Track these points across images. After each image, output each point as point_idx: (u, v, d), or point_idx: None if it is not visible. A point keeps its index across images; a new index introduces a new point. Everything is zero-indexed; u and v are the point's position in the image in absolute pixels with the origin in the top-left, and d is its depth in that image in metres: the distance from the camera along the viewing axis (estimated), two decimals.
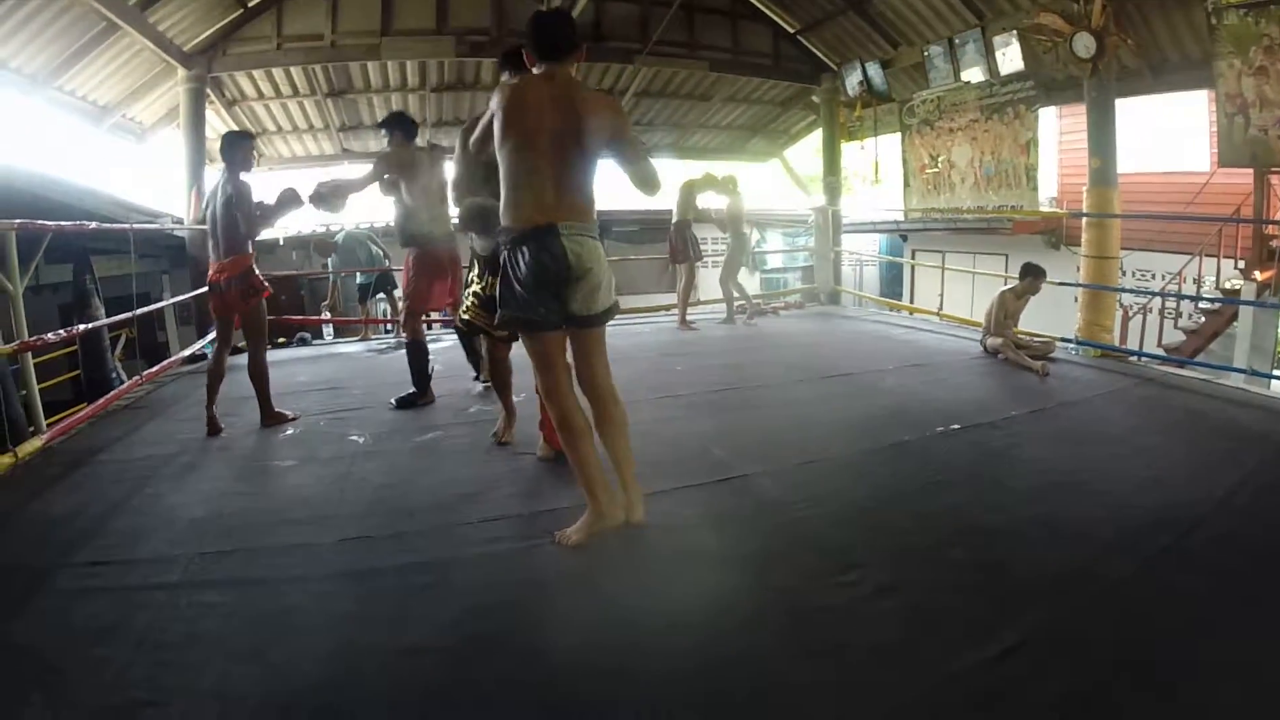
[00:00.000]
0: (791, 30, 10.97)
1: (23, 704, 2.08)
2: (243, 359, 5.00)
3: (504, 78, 3.59)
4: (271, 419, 4.82)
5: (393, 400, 5.16)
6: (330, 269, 10.06)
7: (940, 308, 10.44)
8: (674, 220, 8.60)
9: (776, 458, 3.83)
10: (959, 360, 6.41)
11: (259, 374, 4.81)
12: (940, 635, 2.27)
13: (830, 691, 2.04)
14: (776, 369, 6.14)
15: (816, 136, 12.51)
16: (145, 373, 6.32)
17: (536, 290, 2.82)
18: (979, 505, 3.31)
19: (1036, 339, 6.63)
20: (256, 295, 4.77)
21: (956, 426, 4.36)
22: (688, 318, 8.80)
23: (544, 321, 2.86)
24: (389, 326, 9.35)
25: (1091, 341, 6.92)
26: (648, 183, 3.03)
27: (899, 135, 10.40)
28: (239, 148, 4.73)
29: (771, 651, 2.21)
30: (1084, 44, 6.81)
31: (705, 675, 2.10)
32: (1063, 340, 6.90)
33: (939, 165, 9.72)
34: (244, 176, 4.68)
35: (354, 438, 4.47)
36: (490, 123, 2.97)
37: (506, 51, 3.67)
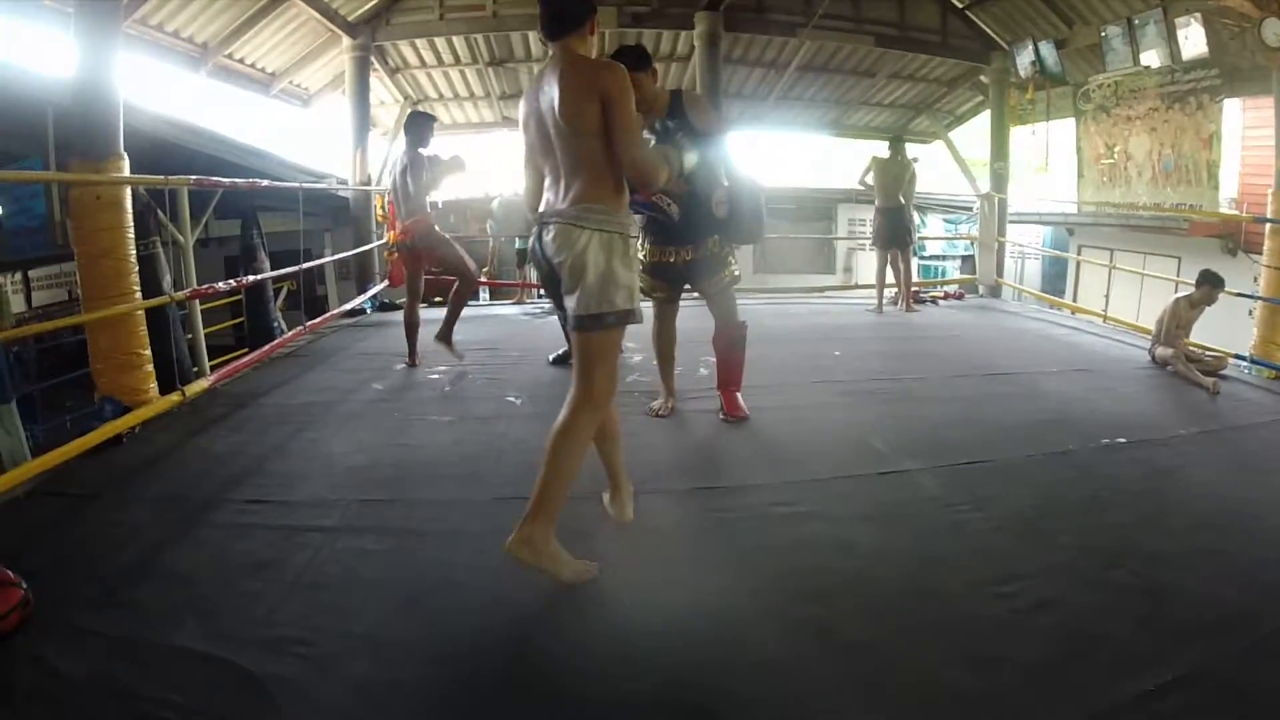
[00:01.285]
0: (960, 5, 10.53)
1: (178, 629, 2.23)
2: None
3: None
4: (444, 339, 5.31)
5: (550, 357, 5.50)
6: (490, 233, 10.38)
7: (1105, 309, 9.88)
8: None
9: (937, 455, 3.75)
10: (1125, 368, 6.09)
11: (459, 300, 5.38)
12: (1096, 661, 2.18)
13: (987, 707, 2.01)
14: (936, 362, 5.97)
15: (984, 119, 11.93)
16: (308, 324, 6.70)
17: (547, 287, 2.78)
18: (1144, 527, 3.14)
19: (1209, 353, 6.22)
20: (444, 245, 5.33)
21: (1123, 440, 4.14)
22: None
23: (565, 320, 2.69)
24: (542, 291, 9.49)
25: (1268, 362, 6.46)
26: (637, 170, 2.57)
27: (1072, 121, 9.89)
28: (422, 127, 5.36)
29: (930, 656, 2.19)
30: (1274, 30, 6.31)
31: (866, 673, 2.12)
32: (1236, 357, 6.41)
33: (1114, 156, 9.19)
34: (422, 151, 5.26)
35: (510, 399, 4.65)
36: None
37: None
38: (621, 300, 2.54)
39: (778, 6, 10.02)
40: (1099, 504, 3.37)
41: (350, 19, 8.84)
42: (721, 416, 4.27)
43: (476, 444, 3.89)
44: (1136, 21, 8.36)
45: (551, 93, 2.53)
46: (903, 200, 8.14)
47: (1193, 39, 7.86)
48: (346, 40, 9.03)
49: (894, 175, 8.06)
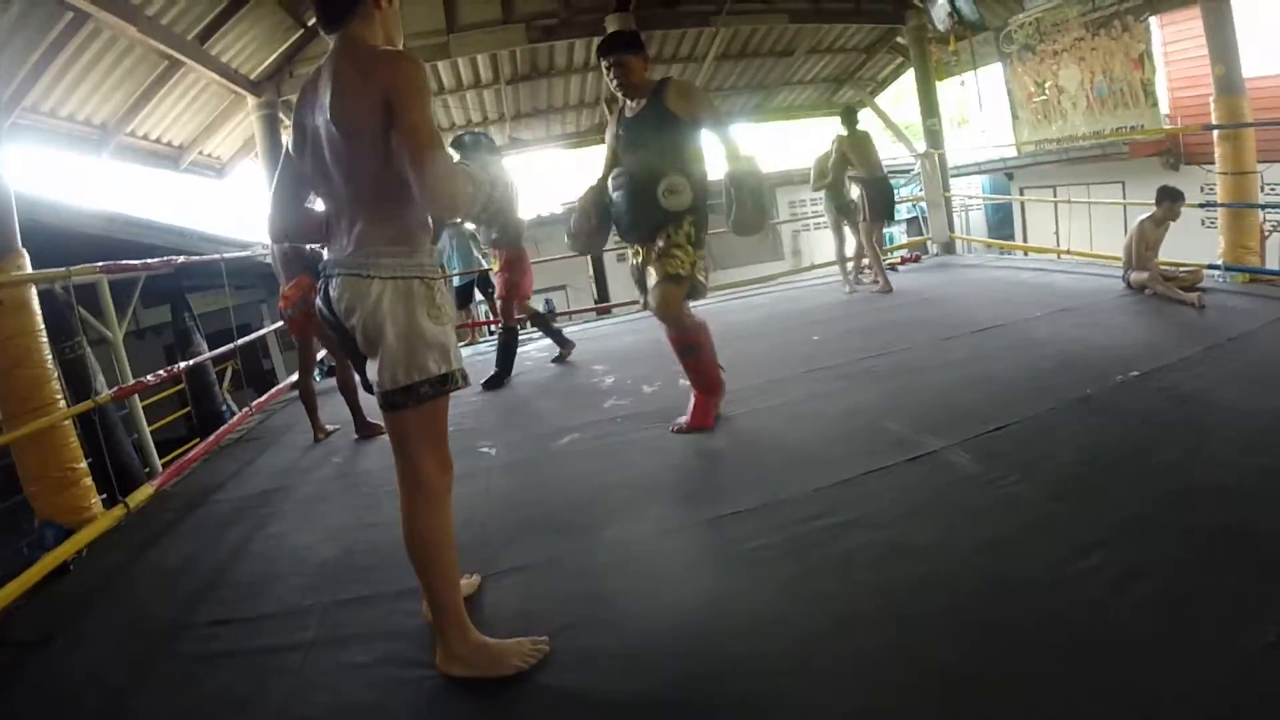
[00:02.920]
0: None
1: None
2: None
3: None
4: (366, 430, 4.88)
5: (481, 385, 5.52)
6: None
7: (1059, 245, 9.87)
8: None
9: (958, 427, 3.49)
10: (1106, 300, 5.96)
11: (346, 386, 4.89)
12: (1210, 620, 1.97)
13: (1126, 703, 1.75)
14: (918, 328, 5.76)
15: (909, 79, 11.93)
16: (255, 403, 6.34)
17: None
18: (1197, 461, 2.95)
19: (1182, 268, 6.16)
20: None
21: (1135, 374, 3.99)
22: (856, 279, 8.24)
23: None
24: (493, 328, 9.17)
25: (1242, 266, 6.43)
26: (426, 186, 1.85)
27: (999, 66, 9.85)
28: None
29: (1046, 666, 1.90)
30: None
31: (990, 704, 1.83)
32: (1210, 267, 6.36)
33: (1046, 92, 9.13)
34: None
35: (484, 449, 4.27)
36: None
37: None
38: (435, 363, 2.00)
39: None
40: (1141, 446, 3.16)
41: (252, 77, 8.43)
42: (672, 429, 3.99)
43: (458, 509, 3.41)
44: None
45: (323, 97, 1.97)
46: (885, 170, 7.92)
47: None
48: (251, 100, 8.62)
49: (864, 145, 7.78)
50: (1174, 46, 10.74)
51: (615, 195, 3.75)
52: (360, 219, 2.01)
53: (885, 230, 10.43)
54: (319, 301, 2.14)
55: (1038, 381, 4.10)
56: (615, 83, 3.76)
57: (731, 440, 3.82)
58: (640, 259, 3.83)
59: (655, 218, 3.66)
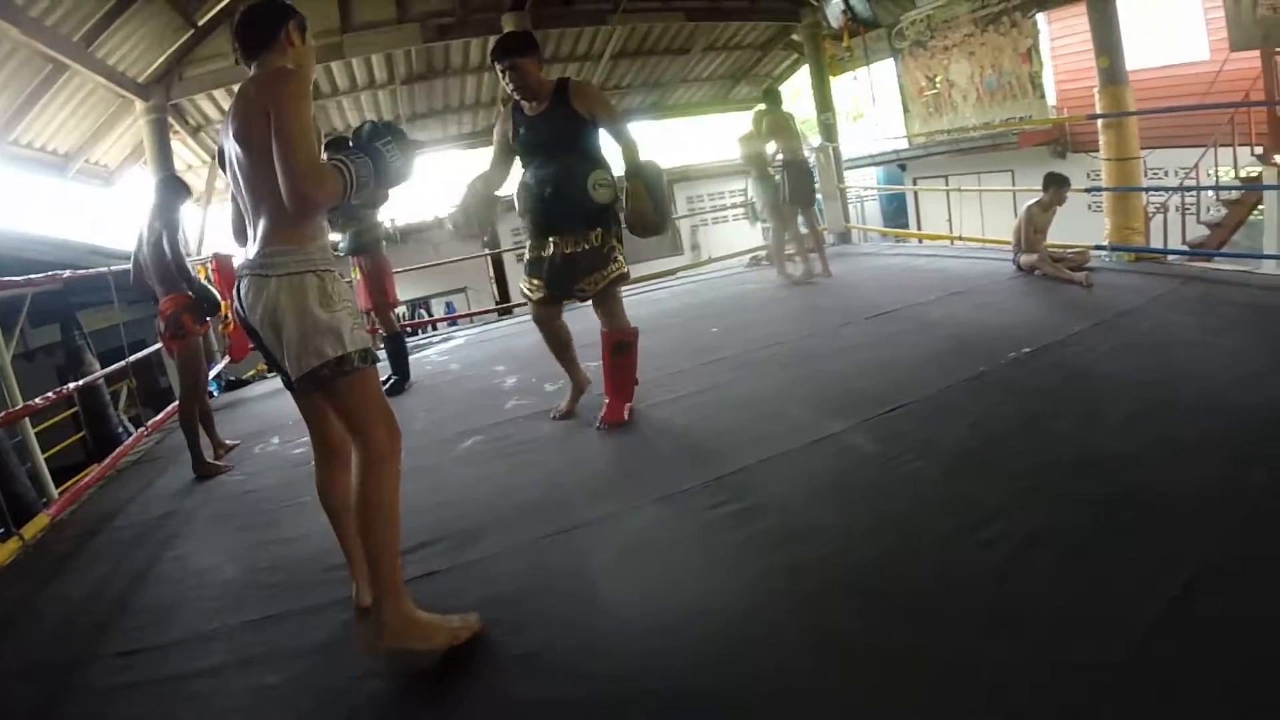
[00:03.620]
0: None
1: None
2: (262, 388, 4.78)
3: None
4: (202, 469, 4.44)
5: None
6: None
7: (951, 232, 10.15)
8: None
9: (858, 409, 3.53)
10: (998, 282, 6.14)
11: (185, 421, 4.51)
12: (1111, 582, 2.02)
13: (1024, 667, 1.77)
14: (817, 315, 5.84)
15: (804, 74, 12.09)
16: (150, 423, 6.02)
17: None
18: (1090, 430, 3.06)
19: (1069, 250, 6.39)
20: (186, 336, 4.48)
21: (1027, 350, 4.11)
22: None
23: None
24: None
25: (1127, 246, 6.72)
26: (291, 180, 1.99)
27: (892, 61, 10.08)
28: (177, 191, 4.66)
29: (947, 633, 1.92)
30: None
31: (890, 672, 1.83)
32: (1096, 248, 6.66)
33: (937, 86, 9.42)
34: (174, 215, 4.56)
35: None
36: None
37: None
38: (330, 346, 2.09)
39: None
40: (1035, 419, 3.26)
41: (140, 80, 8.04)
42: (598, 425, 3.91)
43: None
44: None
45: (230, 119, 2.16)
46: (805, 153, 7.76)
47: None
48: (140, 104, 8.22)
49: (786, 126, 7.64)
50: (1060, 41, 11.13)
51: (536, 191, 3.71)
52: (262, 223, 2.15)
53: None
54: (235, 303, 2.24)
55: (934, 362, 4.18)
56: (511, 86, 3.70)
57: (634, 435, 3.76)
58: (557, 250, 3.77)
59: (587, 211, 3.68)
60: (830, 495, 2.81)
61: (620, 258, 3.81)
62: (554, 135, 3.69)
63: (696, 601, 2.22)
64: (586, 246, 3.72)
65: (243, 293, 2.18)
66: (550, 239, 3.77)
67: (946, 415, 3.41)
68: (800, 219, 7.89)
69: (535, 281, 3.88)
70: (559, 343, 4.09)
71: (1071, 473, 2.70)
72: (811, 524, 2.60)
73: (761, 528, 2.62)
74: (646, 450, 3.56)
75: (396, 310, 6.00)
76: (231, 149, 2.16)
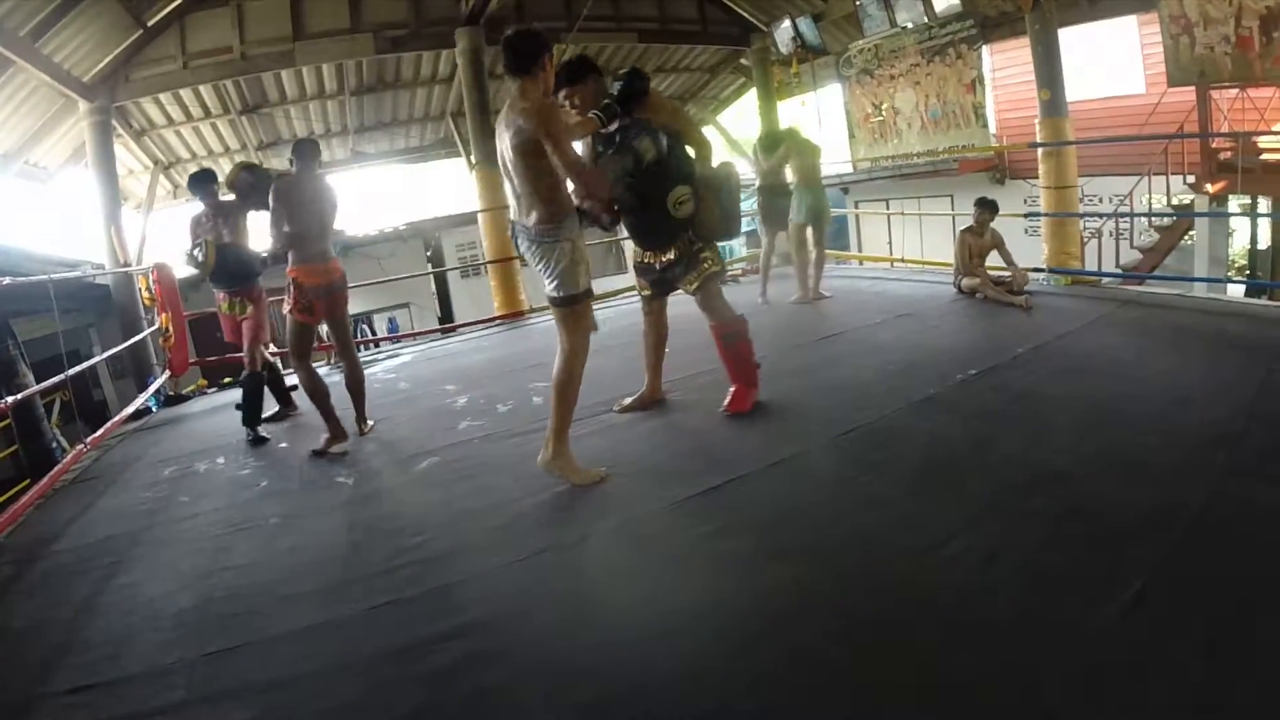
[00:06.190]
0: None
1: None
2: (203, 404, 4.64)
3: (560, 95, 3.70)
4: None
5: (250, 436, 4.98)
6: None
7: (891, 255, 10.38)
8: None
9: (813, 432, 3.62)
10: (941, 305, 6.32)
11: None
12: (1069, 594, 2.14)
13: (1000, 673, 1.87)
14: (765, 336, 5.69)
15: (751, 97, 12.29)
16: (89, 439, 5.68)
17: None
18: (1038, 449, 3.19)
19: (1005, 274, 6.54)
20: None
21: (974, 372, 4.25)
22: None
23: None
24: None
25: (1064, 269, 6.97)
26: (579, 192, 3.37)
27: (839, 87, 10.29)
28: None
29: (915, 651, 1.98)
30: None
31: (862, 688, 1.90)
32: (1034, 270, 6.88)
33: (883, 113, 9.65)
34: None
35: (341, 479, 4.01)
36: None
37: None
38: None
39: (539, 13, 9.77)
40: (985, 439, 3.36)
41: (85, 80, 7.82)
42: (722, 410, 4.07)
43: (319, 545, 3.24)
44: None
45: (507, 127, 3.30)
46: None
47: None
48: (84, 104, 7.98)
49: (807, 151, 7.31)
50: (1002, 72, 11.50)
51: (625, 208, 3.85)
52: (535, 210, 3.29)
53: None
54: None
55: (884, 384, 4.28)
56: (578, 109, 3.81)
57: (590, 459, 3.59)
58: (655, 259, 4.07)
59: (670, 228, 3.90)
60: (794, 517, 2.85)
61: (710, 254, 4.01)
62: (633, 155, 3.80)
63: (667, 626, 2.24)
64: (676, 254, 3.96)
65: (522, 247, 3.44)
66: (645, 252, 4.10)
67: (901, 436, 3.50)
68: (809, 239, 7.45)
69: (643, 281, 4.24)
70: (656, 337, 4.34)
71: (1023, 490, 2.82)
72: (777, 545, 2.65)
73: (727, 549, 2.66)
74: (609, 468, 3.53)
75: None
76: (506, 152, 3.28)
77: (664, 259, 3.99)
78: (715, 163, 3.94)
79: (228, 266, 5.09)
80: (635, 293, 4.82)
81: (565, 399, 3.34)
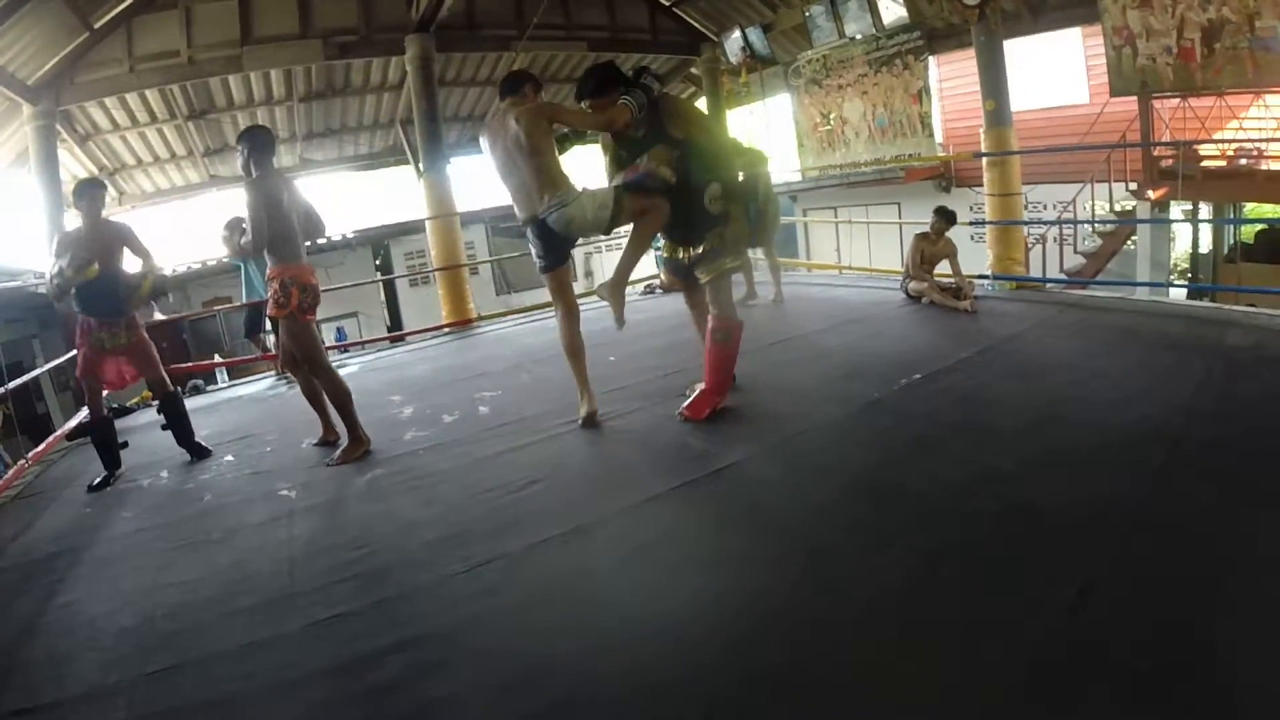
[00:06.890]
0: (667, 3, 10.82)
1: None
2: (148, 416, 4.50)
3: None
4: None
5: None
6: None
7: (839, 262, 10.53)
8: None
9: (755, 438, 3.66)
10: (888, 310, 6.42)
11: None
12: (1013, 593, 2.18)
13: (954, 673, 1.89)
14: None
15: (700, 107, 12.39)
16: (31, 454, 5.57)
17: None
18: (982, 450, 3.26)
19: (950, 279, 6.65)
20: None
21: (918, 376, 4.32)
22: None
23: None
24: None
25: (1008, 275, 7.11)
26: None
27: (788, 96, 10.39)
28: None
29: (860, 654, 2.01)
30: None
31: (813, 700, 1.89)
32: (979, 277, 7.03)
33: (831, 123, 9.75)
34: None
35: (284, 492, 3.94)
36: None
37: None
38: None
39: (490, 21, 9.75)
40: (930, 441, 3.43)
41: (30, 82, 7.57)
42: (679, 414, 4.08)
43: (262, 560, 3.17)
44: None
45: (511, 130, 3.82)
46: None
47: (892, 8, 8.53)
48: (28, 108, 7.73)
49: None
50: (949, 83, 11.77)
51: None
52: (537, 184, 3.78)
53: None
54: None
55: (829, 389, 4.35)
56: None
57: (536, 467, 3.68)
58: (685, 254, 4.20)
59: (703, 223, 4.01)
60: (739, 523, 2.88)
61: (735, 251, 4.10)
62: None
63: (617, 638, 2.22)
64: (706, 248, 4.05)
65: (551, 221, 3.82)
66: (677, 246, 4.24)
67: (844, 441, 3.56)
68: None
69: (675, 279, 4.47)
70: (703, 322, 4.30)
71: (966, 491, 2.87)
72: (724, 552, 2.68)
73: (674, 559, 2.67)
74: (550, 483, 3.50)
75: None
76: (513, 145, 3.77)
77: (694, 253, 4.10)
78: (749, 166, 4.20)
79: (118, 292, 4.59)
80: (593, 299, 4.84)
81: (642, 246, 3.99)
